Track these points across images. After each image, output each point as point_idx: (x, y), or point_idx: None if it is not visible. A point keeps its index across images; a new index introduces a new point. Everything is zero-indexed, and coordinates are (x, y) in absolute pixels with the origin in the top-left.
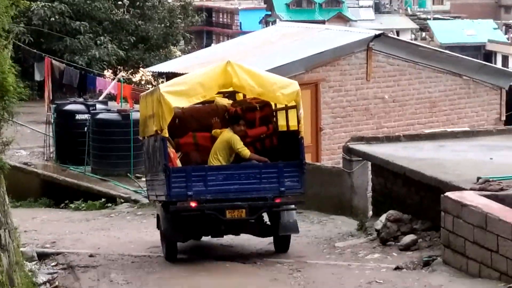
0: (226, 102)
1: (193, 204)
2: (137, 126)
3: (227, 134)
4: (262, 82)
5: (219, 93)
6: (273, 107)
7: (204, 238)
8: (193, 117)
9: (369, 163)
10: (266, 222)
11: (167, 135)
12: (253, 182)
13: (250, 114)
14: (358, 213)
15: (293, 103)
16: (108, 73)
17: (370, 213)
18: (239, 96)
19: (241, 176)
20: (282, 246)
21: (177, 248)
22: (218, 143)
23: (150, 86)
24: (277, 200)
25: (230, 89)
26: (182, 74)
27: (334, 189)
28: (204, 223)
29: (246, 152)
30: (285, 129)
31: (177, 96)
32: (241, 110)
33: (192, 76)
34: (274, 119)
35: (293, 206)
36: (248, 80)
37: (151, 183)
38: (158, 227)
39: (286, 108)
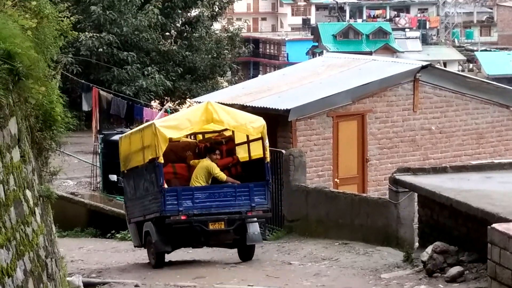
0: (190, 140)
1: (183, 218)
2: None
3: (206, 162)
4: (236, 118)
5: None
6: (234, 142)
7: None
8: (171, 151)
9: (416, 194)
10: (234, 235)
11: (162, 161)
12: (230, 200)
13: (219, 145)
14: (404, 245)
15: (259, 135)
16: (155, 103)
17: (416, 244)
18: (198, 137)
19: (220, 195)
20: (247, 255)
21: (164, 257)
22: (198, 169)
23: None
24: (249, 214)
25: (211, 124)
26: (229, 104)
27: (380, 220)
28: (188, 236)
29: (222, 176)
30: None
31: (170, 129)
32: (212, 144)
33: (181, 113)
34: (247, 149)
35: (255, 219)
36: (226, 116)
37: (134, 207)
38: (144, 243)
39: (248, 142)
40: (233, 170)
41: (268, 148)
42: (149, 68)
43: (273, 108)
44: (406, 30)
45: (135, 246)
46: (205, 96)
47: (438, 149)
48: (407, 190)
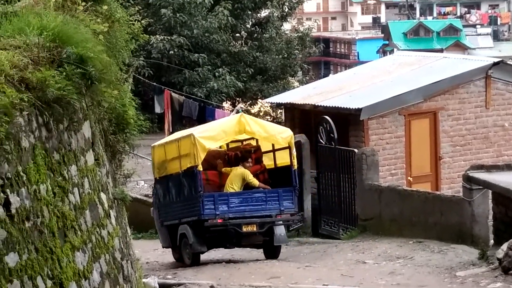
0: (220, 150)
1: (219, 221)
2: None
3: (240, 170)
4: (266, 129)
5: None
6: (261, 151)
7: None
8: (204, 159)
9: (490, 192)
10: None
11: (201, 169)
12: (261, 204)
13: (249, 154)
14: (479, 242)
15: (287, 145)
16: (226, 104)
17: (491, 241)
18: (223, 146)
19: (253, 200)
20: (273, 254)
21: (200, 257)
22: (233, 176)
23: (268, 117)
24: (279, 217)
25: (244, 135)
26: (301, 104)
27: (454, 218)
28: (222, 237)
29: (255, 182)
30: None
31: (207, 139)
32: (242, 152)
33: (216, 125)
34: (272, 157)
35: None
36: (257, 127)
37: (168, 211)
38: (179, 244)
39: (274, 150)
40: (261, 177)
41: (295, 156)
42: (220, 69)
43: (345, 107)
44: (477, 26)
45: (163, 247)
46: (277, 97)
47: (511, 146)
48: (481, 187)
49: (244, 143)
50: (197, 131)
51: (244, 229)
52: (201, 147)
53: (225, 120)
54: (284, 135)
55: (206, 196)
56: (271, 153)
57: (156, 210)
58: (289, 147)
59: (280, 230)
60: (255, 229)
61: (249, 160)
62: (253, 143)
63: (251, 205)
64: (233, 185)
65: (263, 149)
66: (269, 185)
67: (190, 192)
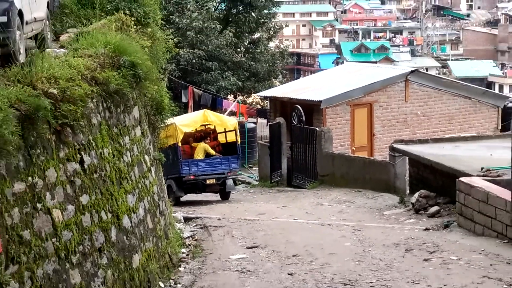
0: (191, 131)
1: (192, 177)
2: (249, 133)
3: (203, 145)
4: (220, 119)
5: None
6: (217, 132)
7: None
8: (182, 138)
9: (407, 158)
10: (219, 186)
11: (180, 144)
12: (218, 166)
13: (208, 134)
14: (399, 192)
15: (233, 128)
16: (230, 97)
17: (408, 191)
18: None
19: (212, 163)
20: (225, 197)
21: (180, 200)
22: (198, 149)
23: (258, 105)
24: (229, 174)
25: (206, 122)
26: (280, 97)
27: (383, 175)
28: (194, 187)
29: (212, 152)
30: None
31: (184, 126)
32: (204, 133)
33: (189, 117)
34: (224, 136)
35: (231, 177)
36: (214, 118)
37: (167, 170)
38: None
39: (225, 131)
40: (217, 149)
41: (239, 136)
42: (226, 73)
43: (310, 99)
44: (400, 46)
45: None
46: (264, 92)
47: (422, 127)
48: (401, 155)
49: (206, 126)
50: (178, 120)
51: (208, 181)
52: (180, 131)
53: (194, 114)
54: (231, 122)
55: (183, 162)
56: (223, 133)
57: None
58: (234, 130)
59: (230, 182)
60: (214, 181)
61: (208, 138)
62: (212, 127)
63: (211, 166)
64: (199, 154)
65: (218, 131)
66: (221, 154)
67: (174, 159)
